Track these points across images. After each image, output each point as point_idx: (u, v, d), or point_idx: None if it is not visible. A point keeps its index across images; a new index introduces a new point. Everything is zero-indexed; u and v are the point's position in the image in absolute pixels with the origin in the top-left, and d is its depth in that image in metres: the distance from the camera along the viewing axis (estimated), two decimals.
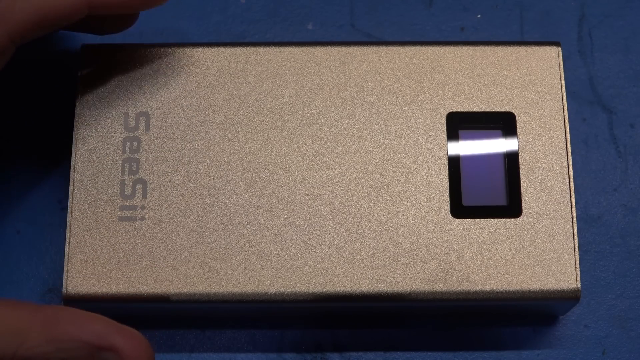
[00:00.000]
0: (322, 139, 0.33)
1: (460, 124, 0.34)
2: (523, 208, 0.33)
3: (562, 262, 0.32)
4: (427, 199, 0.33)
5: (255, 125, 0.33)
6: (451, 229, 0.32)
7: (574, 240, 0.32)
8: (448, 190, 0.33)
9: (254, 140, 0.33)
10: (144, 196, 0.33)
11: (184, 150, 0.33)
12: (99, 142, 0.33)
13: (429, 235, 0.32)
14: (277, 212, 0.32)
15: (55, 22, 0.29)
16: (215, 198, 0.33)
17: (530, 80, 0.34)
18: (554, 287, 0.32)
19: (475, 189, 0.33)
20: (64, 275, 0.32)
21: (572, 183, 0.33)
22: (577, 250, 0.32)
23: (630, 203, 0.37)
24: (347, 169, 0.33)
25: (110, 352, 0.28)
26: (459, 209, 0.33)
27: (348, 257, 0.32)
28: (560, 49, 0.34)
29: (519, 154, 0.33)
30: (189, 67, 0.34)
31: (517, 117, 0.34)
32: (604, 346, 0.35)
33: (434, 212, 0.32)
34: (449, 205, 0.33)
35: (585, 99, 0.38)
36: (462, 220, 0.32)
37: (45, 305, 0.29)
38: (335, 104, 0.34)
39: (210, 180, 0.33)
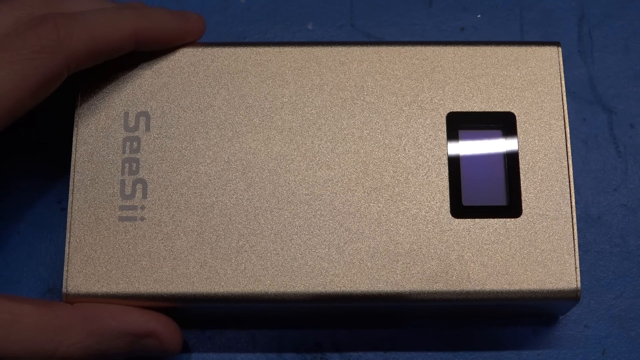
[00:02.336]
0: (322, 139, 0.33)
1: (460, 124, 0.34)
2: (523, 208, 0.33)
3: (562, 262, 0.32)
4: (427, 199, 0.33)
5: (255, 125, 0.33)
6: (451, 229, 0.32)
7: (574, 240, 0.32)
8: (448, 190, 0.33)
9: (254, 140, 0.33)
10: (144, 196, 0.33)
11: (184, 150, 0.33)
12: (99, 142, 0.33)
13: (429, 235, 0.32)
14: (277, 212, 0.32)
15: (105, 53, 0.32)
16: (215, 198, 0.33)
17: (530, 80, 0.34)
18: (554, 287, 0.32)
19: (475, 189, 0.33)
20: (64, 275, 0.32)
21: (572, 183, 0.33)
22: (577, 250, 0.32)
23: (630, 203, 0.37)
24: (347, 169, 0.33)
25: (150, 338, 0.31)
26: (459, 209, 0.33)
27: (348, 257, 0.32)
28: (560, 49, 0.34)
29: (519, 154, 0.33)
30: (189, 67, 0.34)
31: (517, 117, 0.34)
32: (604, 346, 0.35)
33: (434, 212, 0.32)
34: (449, 205, 0.33)
35: (585, 99, 0.38)
36: (462, 220, 0.32)
37: (81, 304, 0.31)
38: (335, 104, 0.34)
39: (210, 180, 0.33)
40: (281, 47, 0.34)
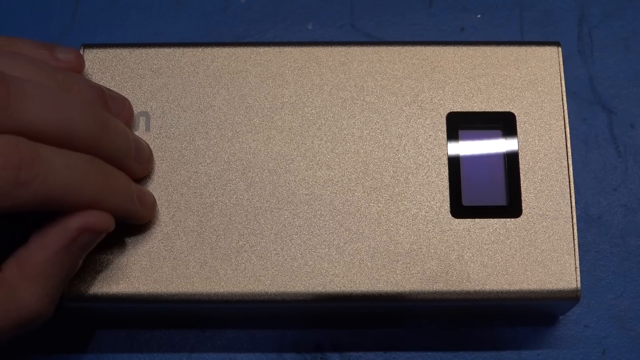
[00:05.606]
0: (322, 139, 0.33)
1: (460, 124, 0.34)
2: (523, 208, 0.33)
3: (562, 262, 0.32)
4: (427, 199, 0.33)
5: (255, 125, 0.33)
6: (451, 229, 0.32)
7: (574, 240, 0.32)
8: (448, 190, 0.33)
9: (254, 140, 0.33)
10: None
11: (184, 150, 0.33)
12: None
13: (429, 235, 0.32)
14: (277, 212, 0.32)
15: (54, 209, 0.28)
16: (215, 198, 0.33)
17: (530, 80, 0.34)
18: (554, 287, 0.32)
19: (475, 189, 0.33)
20: None
21: (572, 183, 0.33)
22: (577, 250, 0.32)
23: (630, 203, 0.37)
24: (347, 169, 0.33)
25: (81, 235, 0.28)
26: (459, 209, 0.33)
27: (348, 257, 0.32)
28: (560, 49, 0.34)
29: (519, 154, 0.33)
30: (189, 67, 0.34)
31: (517, 117, 0.34)
32: (604, 346, 0.35)
33: (434, 212, 0.32)
34: (449, 205, 0.33)
35: (585, 99, 0.38)
36: (462, 220, 0.32)
37: (10, 261, 0.28)
38: (335, 104, 0.34)
39: (210, 180, 0.33)
40: (281, 47, 0.34)
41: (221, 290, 0.32)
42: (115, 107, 0.31)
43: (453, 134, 0.33)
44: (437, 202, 0.33)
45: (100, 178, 0.29)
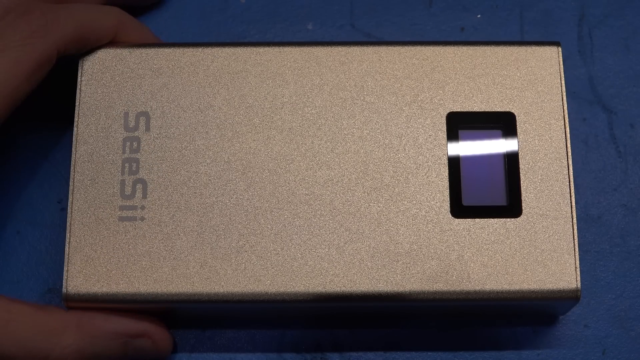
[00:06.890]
0: (322, 139, 0.33)
1: (460, 124, 0.34)
2: (523, 208, 0.33)
3: (562, 262, 0.32)
4: (427, 199, 0.33)
5: (255, 125, 0.33)
6: (451, 229, 0.32)
7: (574, 240, 0.32)
8: (448, 190, 0.33)
9: (254, 140, 0.33)
10: (144, 196, 0.33)
11: (184, 150, 0.33)
12: (99, 142, 0.33)
13: (429, 235, 0.32)
14: (277, 212, 0.32)
15: (90, 40, 0.33)
16: (215, 198, 0.33)
17: (530, 80, 0.34)
18: (554, 287, 0.32)
19: (475, 189, 0.33)
20: (64, 275, 0.32)
21: (572, 183, 0.33)
22: (577, 250, 0.32)
23: (630, 203, 0.37)
24: (347, 169, 0.33)
25: (142, 338, 0.32)
26: (459, 209, 0.33)
27: (348, 257, 0.32)
28: (560, 49, 0.34)
29: (519, 154, 0.33)
30: (189, 67, 0.34)
31: (517, 117, 0.34)
32: (604, 346, 0.35)
33: (434, 212, 0.32)
34: (449, 205, 0.33)
35: (585, 99, 0.38)
36: (462, 220, 0.32)
37: (75, 310, 0.31)
38: (335, 104, 0.34)
39: (210, 180, 0.33)
40: (281, 47, 0.34)
41: (221, 290, 0.32)
42: None
43: (453, 134, 0.33)
44: (437, 202, 0.33)
45: (115, 7, 0.35)
